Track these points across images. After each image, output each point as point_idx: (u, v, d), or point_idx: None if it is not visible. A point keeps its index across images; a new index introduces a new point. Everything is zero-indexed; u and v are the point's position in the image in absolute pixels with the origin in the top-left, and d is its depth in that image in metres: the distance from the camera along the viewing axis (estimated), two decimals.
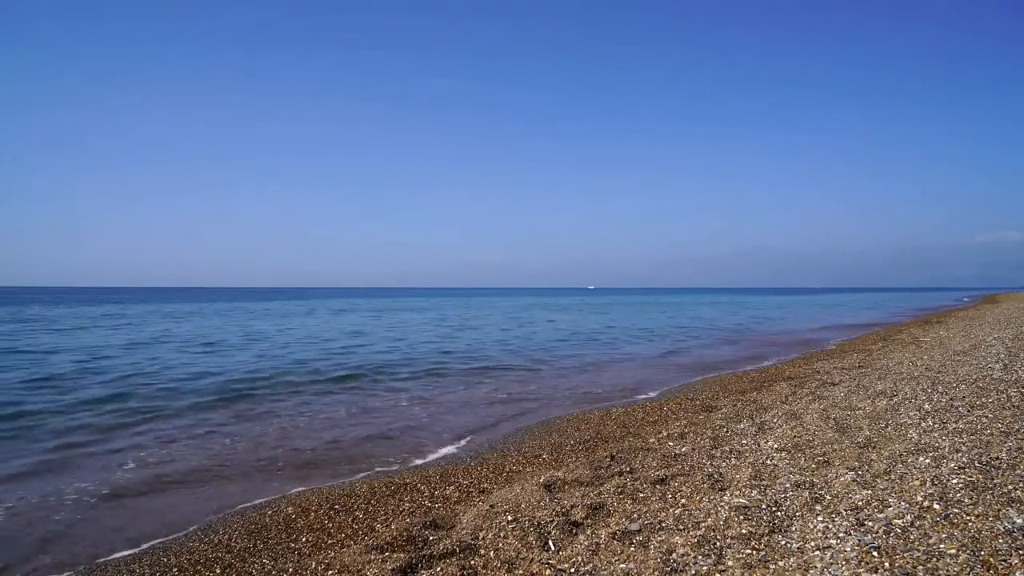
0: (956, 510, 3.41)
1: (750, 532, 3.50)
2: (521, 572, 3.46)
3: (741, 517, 3.72)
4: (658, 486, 4.66)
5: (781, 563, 3.08)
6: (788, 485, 4.23)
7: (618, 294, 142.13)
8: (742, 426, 6.59)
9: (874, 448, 4.93)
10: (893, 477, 4.11)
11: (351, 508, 5.14)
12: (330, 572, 3.80)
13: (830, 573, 2.90)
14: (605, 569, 3.32)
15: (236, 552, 4.38)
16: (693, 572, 3.13)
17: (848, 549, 3.10)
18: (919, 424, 5.55)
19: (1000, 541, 2.98)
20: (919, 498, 3.65)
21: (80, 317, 35.17)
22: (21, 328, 26.30)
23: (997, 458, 4.22)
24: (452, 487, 5.56)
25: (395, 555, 3.82)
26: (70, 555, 4.52)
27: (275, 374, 12.88)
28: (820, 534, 3.34)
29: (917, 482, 3.93)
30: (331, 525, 4.79)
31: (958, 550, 2.94)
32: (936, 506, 3.50)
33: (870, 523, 3.38)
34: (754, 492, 4.17)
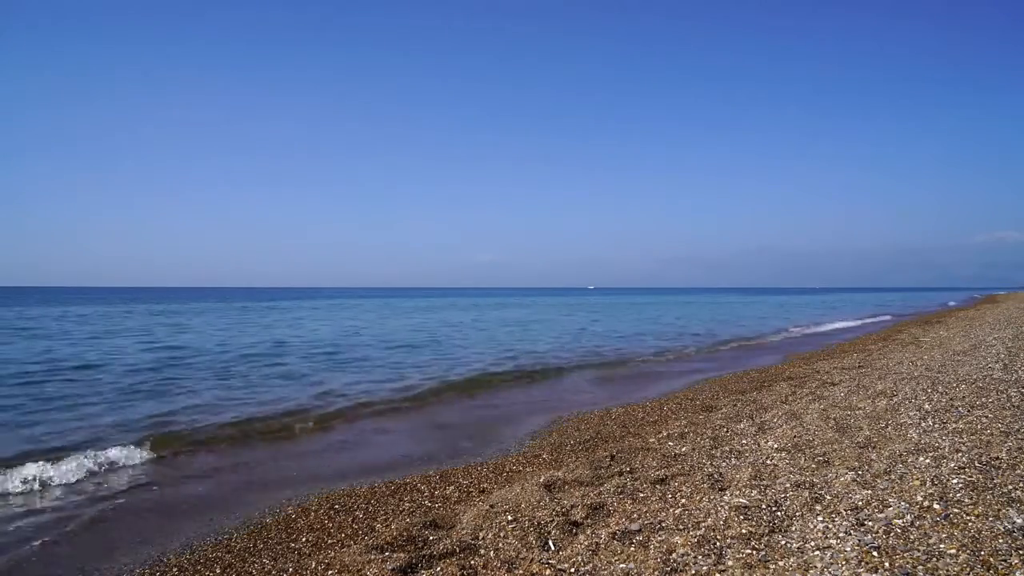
0: (956, 510, 3.41)
1: (750, 532, 3.50)
2: (521, 572, 3.46)
3: (741, 517, 3.72)
4: (658, 486, 4.66)
5: (781, 563, 3.08)
6: (788, 485, 4.23)
7: (621, 294, 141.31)
8: (742, 426, 6.59)
9: (874, 448, 4.93)
10: (893, 477, 4.11)
11: (351, 508, 5.15)
12: (330, 572, 3.80)
13: (830, 573, 2.90)
14: (605, 569, 3.32)
15: (236, 552, 4.38)
16: (693, 572, 3.13)
17: (848, 549, 3.10)
18: (919, 424, 5.54)
19: (1000, 541, 2.98)
20: (919, 498, 3.65)
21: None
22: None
23: (997, 458, 4.22)
24: (452, 487, 5.56)
25: (395, 555, 3.82)
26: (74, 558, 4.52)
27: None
28: (820, 534, 3.34)
29: (917, 482, 3.93)
30: (331, 525, 4.79)
31: (958, 550, 2.94)
32: (936, 506, 3.49)
33: (870, 523, 3.38)
34: (754, 492, 4.17)
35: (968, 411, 5.81)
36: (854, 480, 4.13)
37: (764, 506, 3.88)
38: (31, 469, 6.10)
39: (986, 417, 5.47)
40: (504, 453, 6.84)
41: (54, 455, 6.58)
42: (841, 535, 3.28)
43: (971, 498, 3.55)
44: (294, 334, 23.31)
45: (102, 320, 31.41)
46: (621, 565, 3.32)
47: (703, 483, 4.56)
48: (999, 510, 3.34)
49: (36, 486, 5.83)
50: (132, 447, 6.97)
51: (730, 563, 3.15)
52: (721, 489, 4.38)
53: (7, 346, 18.13)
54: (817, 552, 3.13)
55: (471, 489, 5.47)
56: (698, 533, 3.57)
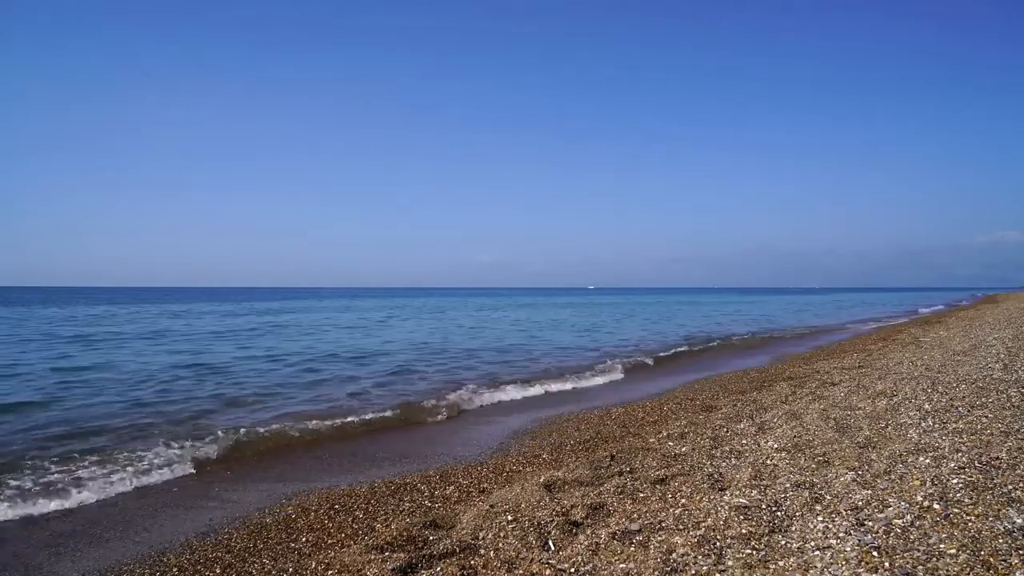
0: (956, 510, 3.41)
1: (750, 532, 3.50)
2: (521, 572, 3.46)
3: (741, 517, 3.72)
4: (658, 486, 4.66)
5: (781, 563, 3.08)
6: (788, 485, 4.23)
7: (621, 294, 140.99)
8: (742, 426, 6.59)
9: (874, 448, 4.93)
10: (893, 477, 4.11)
11: (351, 508, 5.15)
12: (330, 572, 3.81)
13: (830, 573, 2.90)
14: (605, 569, 3.32)
15: (236, 552, 4.38)
16: (693, 572, 3.13)
17: (848, 549, 3.10)
18: (919, 424, 5.54)
19: (1000, 541, 2.98)
20: (919, 498, 3.65)
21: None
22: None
23: (997, 458, 4.22)
24: (452, 487, 5.57)
25: (395, 555, 3.82)
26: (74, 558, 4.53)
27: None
28: (820, 534, 3.34)
29: (917, 482, 3.93)
30: (331, 525, 4.80)
31: (958, 550, 2.94)
32: (936, 506, 3.49)
33: (870, 523, 3.38)
34: (754, 492, 4.17)
35: (968, 411, 5.81)
36: (854, 480, 4.13)
37: (764, 506, 3.88)
38: (34, 471, 6.13)
39: (986, 417, 5.47)
40: (504, 453, 6.84)
41: (57, 457, 6.60)
42: (841, 535, 3.28)
43: (971, 498, 3.55)
44: (321, 338, 22.70)
45: (113, 322, 31.24)
46: (621, 565, 3.33)
47: (703, 483, 4.56)
48: (999, 510, 3.33)
49: (37, 488, 5.83)
50: (134, 449, 6.98)
51: (730, 563, 3.15)
52: (721, 489, 4.38)
53: (24, 352, 17.71)
54: (817, 552, 3.13)
55: (471, 489, 5.47)
56: (698, 533, 3.58)
